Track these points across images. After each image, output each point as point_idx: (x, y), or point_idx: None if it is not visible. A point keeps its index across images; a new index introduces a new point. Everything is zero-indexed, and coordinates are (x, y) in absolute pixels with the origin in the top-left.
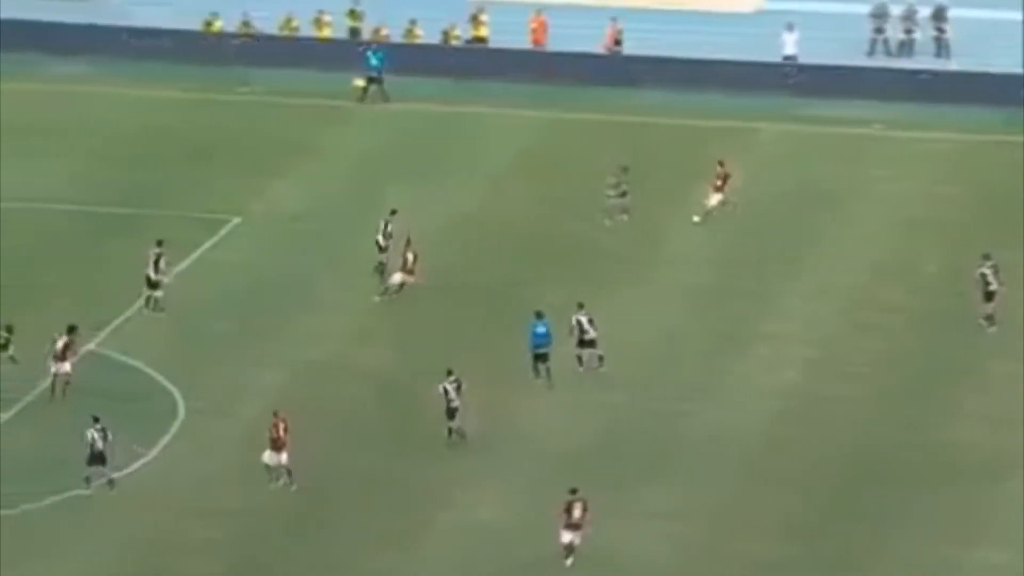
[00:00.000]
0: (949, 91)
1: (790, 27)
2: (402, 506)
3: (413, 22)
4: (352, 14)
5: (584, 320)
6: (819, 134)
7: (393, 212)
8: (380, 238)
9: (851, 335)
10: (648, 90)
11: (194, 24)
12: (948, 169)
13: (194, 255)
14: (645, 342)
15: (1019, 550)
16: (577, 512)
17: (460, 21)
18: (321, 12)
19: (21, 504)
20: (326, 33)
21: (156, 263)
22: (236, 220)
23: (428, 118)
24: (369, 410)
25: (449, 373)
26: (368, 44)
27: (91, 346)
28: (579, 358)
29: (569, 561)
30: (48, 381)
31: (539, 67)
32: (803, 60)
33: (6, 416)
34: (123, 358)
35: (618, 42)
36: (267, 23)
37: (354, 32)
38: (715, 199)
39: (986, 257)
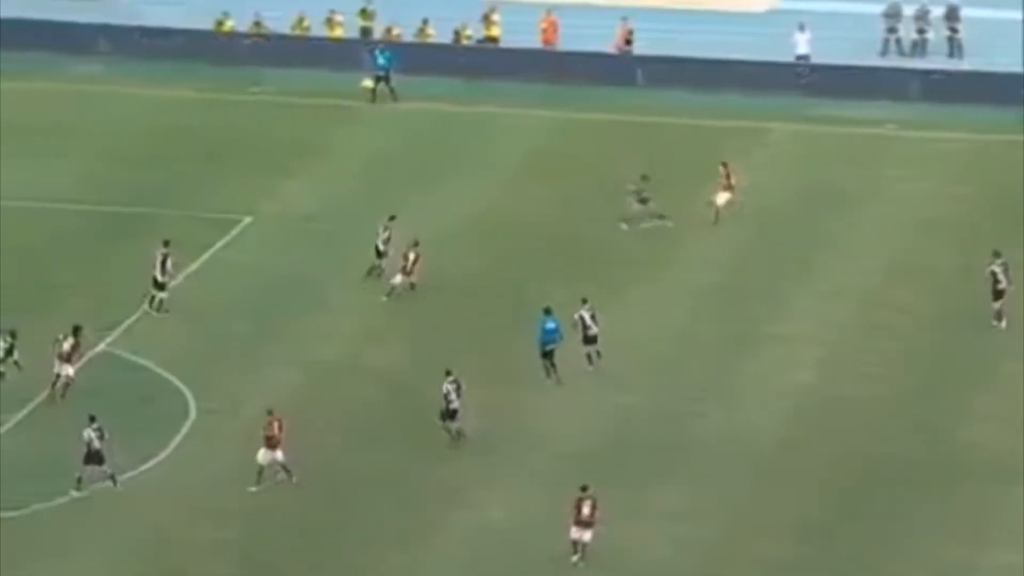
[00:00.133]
0: (962, 91)
1: (802, 27)
2: (412, 506)
3: (425, 21)
4: (364, 13)
5: (587, 316)
6: (831, 134)
7: (392, 218)
8: (379, 244)
9: (864, 336)
10: (660, 90)
11: (206, 24)
12: (961, 169)
13: (205, 255)
14: (657, 342)
15: None
16: (587, 509)
17: (472, 21)
18: (333, 12)
19: (32, 504)
20: (338, 33)
21: (163, 264)
22: (247, 220)
23: (439, 118)
24: (379, 410)
25: (448, 373)
26: (378, 44)
27: (102, 346)
28: (588, 357)
29: (575, 558)
30: (58, 382)
31: (550, 67)
32: (815, 60)
33: (17, 417)
34: (134, 358)
35: (628, 42)
36: (279, 23)
37: (366, 32)
38: (723, 198)
39: (996, 255)
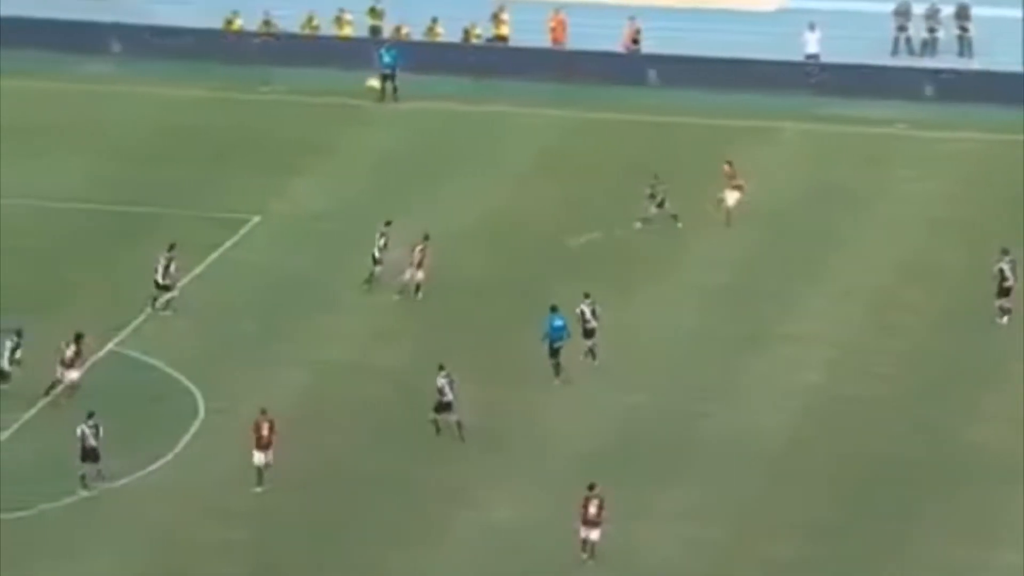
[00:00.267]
0: (972, 90)
1: (812, 26)
2: (419, 506)
3: (434, 20)
4: (373, 12)
5: (587, 310)
6: (841, 133)
7: (388, 223)
8: (375, 251)
9: (874, 336)
10: (669, 89)
11: (216, 23)
12: (972, 168)
13: (214, 254)
14: (666, 342)
15: None
16: (594, 509)
17: (481, 19)
18: (342, 11)
19: (39, 504)
20: (347, 32)
21: (167, 268)
22: (256, 219)
23: (449, 117)
24: (387, 410)
25: (441, 368)
26: (387, 42)
27: (111, 346)
28: (587, 352)
29: (585, 556)
30: (59, 388)
31: (559, 66)
32: (825, 59)
33: (25, 416)
34: (143, 357)
35: (636, 41)
36: (288, 22)
37: (375, 30)
38: (732, 198)
39: (1004, 252)
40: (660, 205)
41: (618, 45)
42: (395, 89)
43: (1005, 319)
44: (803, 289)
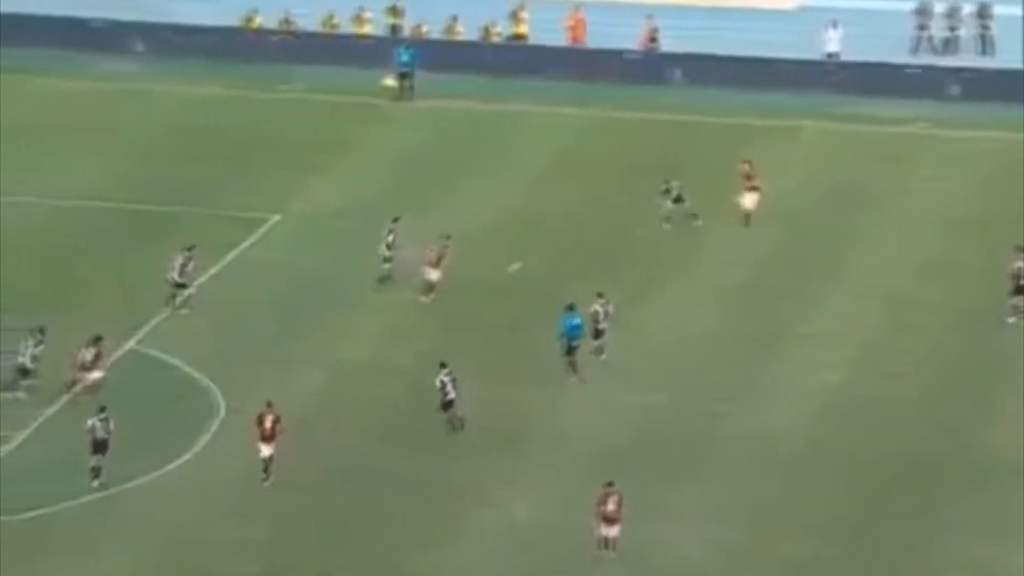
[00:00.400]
0: (993, 89)
1: (833, 24)
2: (437, 505)
3: (454, 18)
4: (392, 11)
5: (600, 310)
6: (862, 132)
7: (396, 219)
8: (383, 248)
9: (893, 335)
10: (688, 88)
11: (235, 21)
12: (992, 167)
13: (233, 253)
14: (685, 341)
15: None
16: (612, 505)
17: (500, 18)
18: (361, 9)
19: (59, 502)
20: (366, 30)
21: (183, 267)
22: (276, 218)
23: (467, 115)
24: (405, 409)
25: (443, 366)
26: (405, 41)
27: (131, 344)
28: (598, 351)
29: (609, 551)
30: (78, 387)
31: (578, 64)
32: (846, 57)
33: (47, 413)
34: (163, 356)
35: (653, 39)
36: (308, 20)
37: (394, 29)
38: (750, 200)
39: (1021, 250)
40: (676, 200)
41: (636, 44)
42: (412, 87)
43: (1013, 319)
44: (821, 288)
